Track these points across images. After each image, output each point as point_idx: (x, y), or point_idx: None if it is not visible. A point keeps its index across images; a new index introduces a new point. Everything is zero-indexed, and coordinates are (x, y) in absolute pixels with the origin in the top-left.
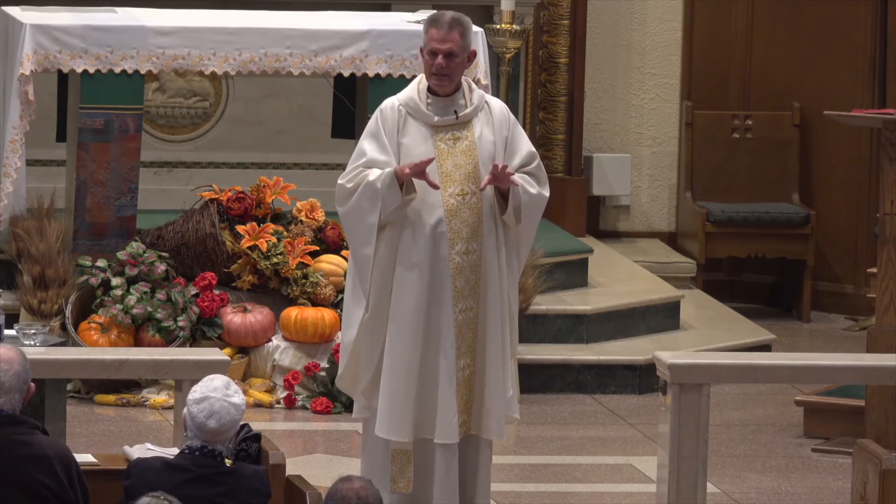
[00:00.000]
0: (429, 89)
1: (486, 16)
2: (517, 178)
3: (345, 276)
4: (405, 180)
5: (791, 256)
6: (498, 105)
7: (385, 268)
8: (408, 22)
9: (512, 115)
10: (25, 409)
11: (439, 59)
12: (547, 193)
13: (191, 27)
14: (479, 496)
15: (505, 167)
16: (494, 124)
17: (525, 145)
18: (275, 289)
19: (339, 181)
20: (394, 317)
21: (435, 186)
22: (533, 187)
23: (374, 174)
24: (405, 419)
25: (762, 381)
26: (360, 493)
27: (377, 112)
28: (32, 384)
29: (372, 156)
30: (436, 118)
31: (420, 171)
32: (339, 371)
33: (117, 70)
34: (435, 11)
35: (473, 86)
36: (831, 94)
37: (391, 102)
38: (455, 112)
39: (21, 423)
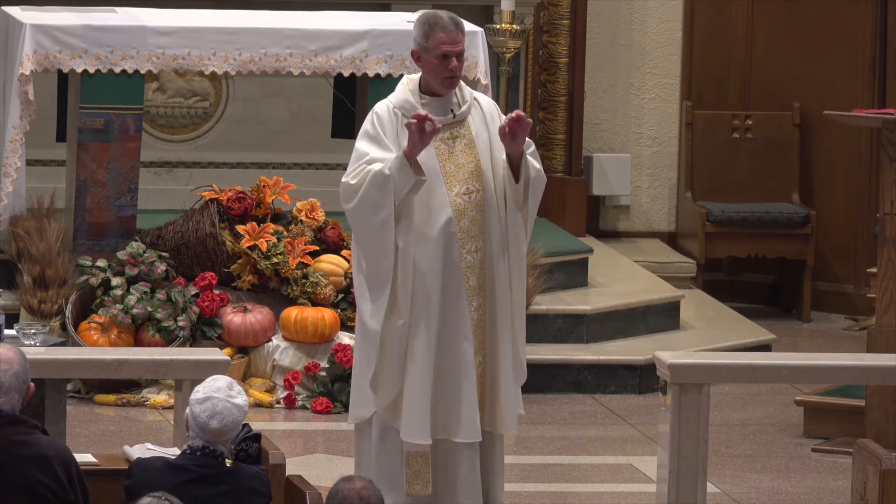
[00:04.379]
0: (422, 90)
1: (486, 16)
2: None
3: (345, 277)
4: (415, 156)
5: (791, 256)
6: (486, 101)
7: (405, 275)
8: (408, 22)
9: (499, 109)
10: (25, 409)
11: (454, 61)
12: (544, 176)
13: (191, 27)
14: (495, 493)
15: (521, 116)
16: (487, 120)
17: None
18: (275, 289)
19: (343, 179)
20: (410, 320)
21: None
22: (537, 162)
23: (378, 165)
24: (426, 422)
25: (762, 381)
26: (362, 493)
27: (371, 116)
28: (32, 384)
29: (374, 154)
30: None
31: (420, 127)
32: (377, 394)
33: (117, 70)
34: (426, 13)
35: (462, 83)
36: (831, 94)
37: (385, 105)
38: (452, 111)
39: (21, 423)
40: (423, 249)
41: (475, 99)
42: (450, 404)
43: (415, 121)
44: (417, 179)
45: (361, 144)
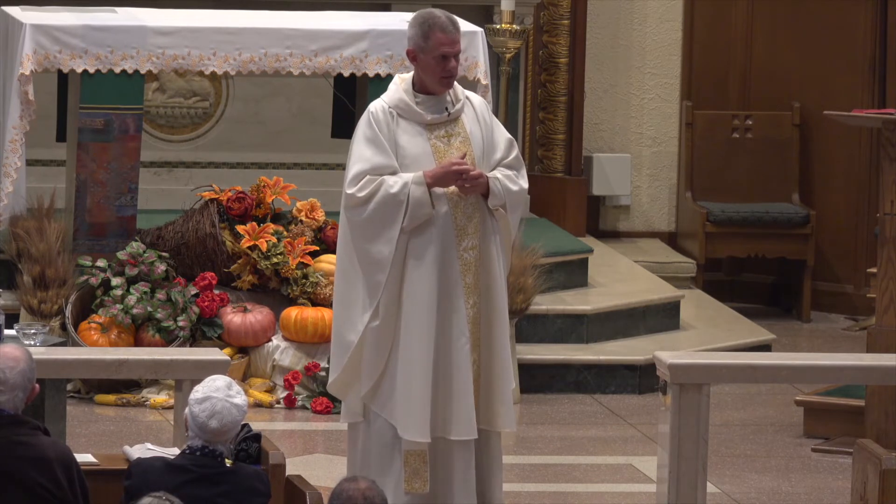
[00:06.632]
0: (416, 89)
1: (486, 16)
2: (496, 174)
3: None
4: (434, 186)
5: (791, 256)
6: (477, 99)
7: (395, 271)
8: (407, 22)
9: (490, 108)
10: (26, 409)
11: (452, 61)
12: (526, 185)
13: (191, 27)
14: (493, 492)
15: (474, 176)
16: (478, 118)
17: (503, 136)
18: (275, 289)
19: (348, 191)
20: (407, 318)
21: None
22: (514, 184)
23: (395, 185)
24: (426, 419)
25: (762, 381)
26: (366, 494)
27: (367, 116)
28: (37, 385)
29: (375, 161)
30: (429, 117)
31: (457, 175)
32: (331, 376)
33: (117, 70)
34: (423, 13)
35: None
36: (831, 94)
37: (380, 105)
38: (446, 109)
39: (23, 424)
40: (421, 247)
41: (467, 97)
42: (446, 402)
43: (458, 168)
44: (432, 211)
45: (360, 147)
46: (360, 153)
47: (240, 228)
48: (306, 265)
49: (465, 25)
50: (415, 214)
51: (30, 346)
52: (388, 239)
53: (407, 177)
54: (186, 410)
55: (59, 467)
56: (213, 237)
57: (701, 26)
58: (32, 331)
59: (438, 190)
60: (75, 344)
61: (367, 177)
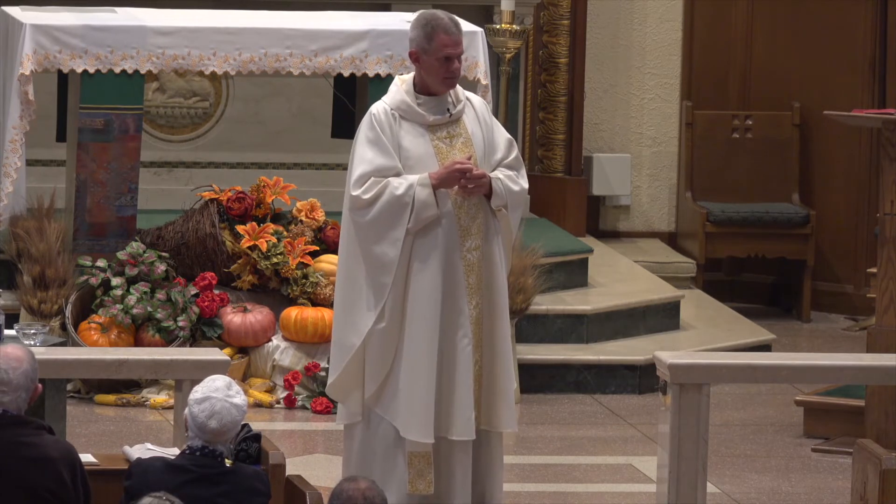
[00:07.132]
0: (417, 90)
1: (486, 16)
2: (497, 174)
3: None
4: (440, 188)
5: (791, 256)
6: (477, 100)
7: (400, 273)
8: (407, 22)
9: (490, 108)
10: (28, 408)
11: (455, 62)
12: (526, 185)
13: (191, 27)
14: (494, 492)
15: (478, 175)
16: (479, 119)
17: (502, 136)
18: (275, 289)
19: (353, 193)
20: (412, 320)
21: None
22: (515, 184)
23: (400, 187)
24: (429, 420)
25: (762, 381)
26: (367, 494)
27: (369, 118)
28: (40, 385)
29: (378, 162)
30: (430, 118)
31: (460, 175)
32: (331, 378)
33: (117, 70)
34: (425, 14)
35: None
36: (831, 94)
37: (382, 107)
38: (448, 110)
39: (26, 425)
40: (425, 249)
41: (467, 98)
42: (446, 402)
43: (461, 167)
44: (437, 213)
45: (362, 149)
46: (363, 155)
47: (240, 228)
48: (306, 265)
49: (465, 25)
50: (420, 216)
51: (30, 346)
52: (394, 240)
53: (412, 178)
54: (186, 410)
55: (64, 466)
56: (213, 237)
57: (701, 26)
58: (32, 331)
59: (443, 191)
60: (75, 344)
61: (372, 178)
